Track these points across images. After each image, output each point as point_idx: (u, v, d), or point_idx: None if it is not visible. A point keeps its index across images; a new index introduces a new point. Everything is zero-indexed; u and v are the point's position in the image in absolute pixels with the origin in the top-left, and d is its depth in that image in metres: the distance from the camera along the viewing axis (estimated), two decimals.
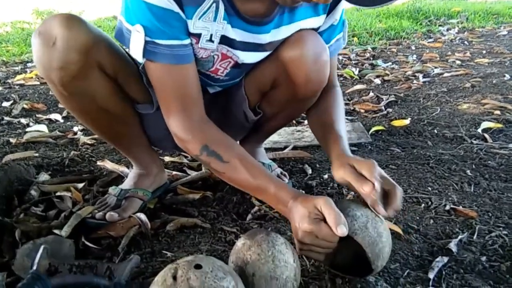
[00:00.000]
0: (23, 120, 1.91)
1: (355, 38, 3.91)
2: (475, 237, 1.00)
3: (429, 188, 1.24)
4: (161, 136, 1.10)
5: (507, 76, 2.48)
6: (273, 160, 1.40)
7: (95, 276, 0.78)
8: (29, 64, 3.13)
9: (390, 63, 3.05)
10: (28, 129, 1.77)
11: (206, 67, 0.99)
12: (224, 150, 0.90)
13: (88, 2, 6.51)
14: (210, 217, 1.11)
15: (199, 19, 0.88)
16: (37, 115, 2.01)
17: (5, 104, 2.15)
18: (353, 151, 1.02)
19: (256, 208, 1.14)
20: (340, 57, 3.23)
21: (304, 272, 0.87)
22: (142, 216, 1.06)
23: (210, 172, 1.30)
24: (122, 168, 1.36)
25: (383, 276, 0.86)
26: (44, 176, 1.30)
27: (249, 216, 1.12)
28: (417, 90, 2.34)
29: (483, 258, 0.92)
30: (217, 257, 0.72)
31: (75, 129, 1.80)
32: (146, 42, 0.84)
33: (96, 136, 1.62)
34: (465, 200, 1.17)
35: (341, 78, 2.68)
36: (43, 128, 1.77)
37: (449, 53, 3.33)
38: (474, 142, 1.58)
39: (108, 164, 1.39)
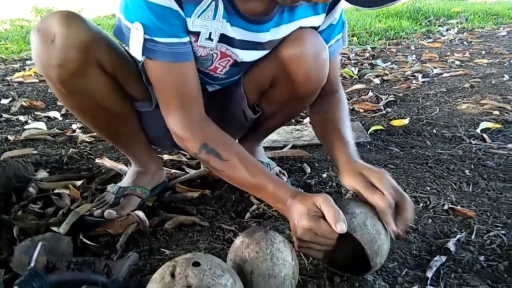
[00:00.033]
0: (21, 118, 1.91)
1: (355, 38, 3.91)
2: (473, 236, 1.00)
3: (428, 188, 1.25)
4: (160, 134, 1.10)
5: (506, 77, 2.49)
6: (272, 159, 1.40)
7: (93, 273, 0.78)
8: (28, 62, 3.13)
9: (389, 63, 3.05)
10: (26, 127, 1.77)
11: (205, 66, 0.99)
12: (223, 149, 0.90)
13: (87, 0, 6.50)
14: (209, 215, 1.11)
15: (198, 17, 0.87)
16: (35, 113, 2.01)
17: (4, 101, 2.15)
18: None
19: (254, 206, 1.14)
20: (340, 57, 3.22)
21: (302, 271, 0.87)
22: (141, 214, 1.06)
23: (208, 170, 1.29)
24: (120, 166, 1.36)
25: (381, 275, 0.86)
26: (42, 174, 1.30)
27: (248, 215, 1.12)
28: (416, 90, 2.35)
29: (481, 258, 0.92)
30: (215, 255, 0.72)
31: (74, 126, 1.80)
32: (145, 40, 0.84)
33: (94, 133, 1.62)
34: (464, 199, 1.17)
35: (341, 78, 2.67)
36: (41, 125, 1.77)
37: (449, 53, 3.33)
38: (473, 142, 1.58)
39: (107, 162, 1.39)
